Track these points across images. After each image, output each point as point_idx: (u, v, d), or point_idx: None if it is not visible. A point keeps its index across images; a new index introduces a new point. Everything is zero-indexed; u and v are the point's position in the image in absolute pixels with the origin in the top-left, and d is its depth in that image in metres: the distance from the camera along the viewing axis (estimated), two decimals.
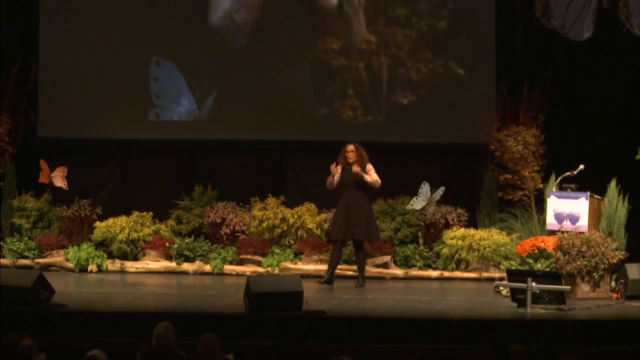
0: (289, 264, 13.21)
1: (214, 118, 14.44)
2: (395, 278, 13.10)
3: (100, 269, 13.41)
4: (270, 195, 13.99)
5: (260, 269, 13.25)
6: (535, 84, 13.26)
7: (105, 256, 13.52)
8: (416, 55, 14.18)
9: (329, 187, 12.33)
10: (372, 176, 12.11)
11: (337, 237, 12.30)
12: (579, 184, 12.08)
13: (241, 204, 13.92)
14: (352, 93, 14.25)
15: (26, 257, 13.53)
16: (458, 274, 13.11)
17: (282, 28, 14.34)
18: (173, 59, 14.41)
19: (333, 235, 12.46)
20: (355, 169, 12.08)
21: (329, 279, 12.34)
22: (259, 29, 14.32)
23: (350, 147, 12.20)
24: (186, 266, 13.46)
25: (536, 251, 11.96)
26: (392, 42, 14.21)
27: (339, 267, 13.01)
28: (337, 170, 12.17)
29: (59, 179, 13.56)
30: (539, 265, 11.77)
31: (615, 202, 12.02)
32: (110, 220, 13.79)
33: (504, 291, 11.37)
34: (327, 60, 14.24)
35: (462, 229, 13.28)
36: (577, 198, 11.91)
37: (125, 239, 13.61)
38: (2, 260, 13.29)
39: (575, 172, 12.14)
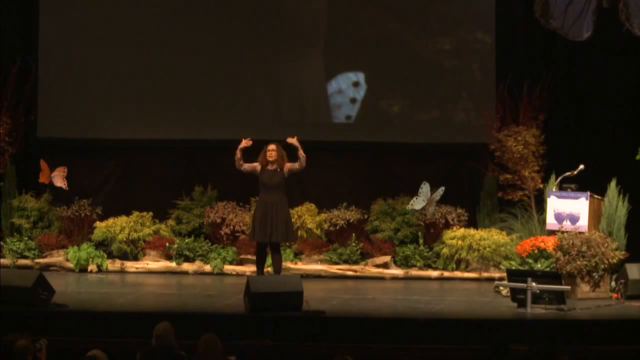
0: (289, 264, 13.16)
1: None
2: (395, 278, 13.08)
3: (100, 269, 13.40)
4: None
5: None
6: (535, 84, 13.25)
7: (105, 256, 13.50)
8: None
9: (237, 167, 11.70)
10: (302, 157, 11.51)
11: (256, 239, 11.69)
12: (579, 184, 12.07)
13: (241, 204, 13.90)
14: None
15: (26, 257, 13.52)
16: (458, 274, 13.10)
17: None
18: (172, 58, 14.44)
19: (253, 236, 11.82)
20: (291, 139, 11.57)
21: None
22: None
23: (272, 146, 11.62)
24: (186, 266, 13.45)
25: (536, 251, 11.95)
26: None
27: (339, 267, 13.02)
28: (247, 143, 11.59)
29: (59, 179, 13.53)
30: (539, 265, 11.76)
31: (615, 202, 12.02)
32: (110, 220, 13.78)
33: (504, 291, 11.36)
34: None
35: (462, 229, 13.27)
36: (577, 198, 11.90)
37: (125, 239, 13.60)
38: (2, 260, 13.29)
39: (575, 172, 12.13)
